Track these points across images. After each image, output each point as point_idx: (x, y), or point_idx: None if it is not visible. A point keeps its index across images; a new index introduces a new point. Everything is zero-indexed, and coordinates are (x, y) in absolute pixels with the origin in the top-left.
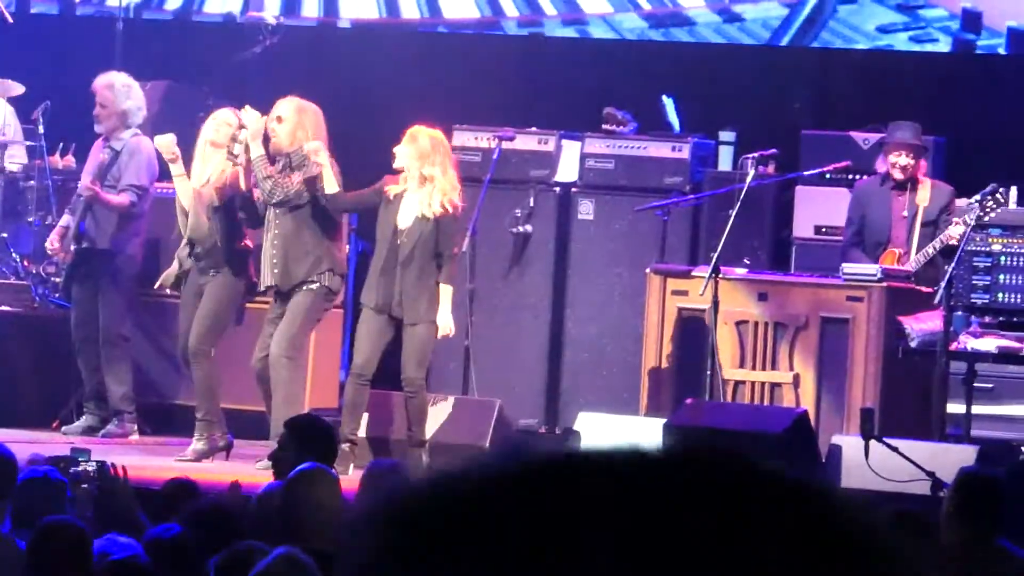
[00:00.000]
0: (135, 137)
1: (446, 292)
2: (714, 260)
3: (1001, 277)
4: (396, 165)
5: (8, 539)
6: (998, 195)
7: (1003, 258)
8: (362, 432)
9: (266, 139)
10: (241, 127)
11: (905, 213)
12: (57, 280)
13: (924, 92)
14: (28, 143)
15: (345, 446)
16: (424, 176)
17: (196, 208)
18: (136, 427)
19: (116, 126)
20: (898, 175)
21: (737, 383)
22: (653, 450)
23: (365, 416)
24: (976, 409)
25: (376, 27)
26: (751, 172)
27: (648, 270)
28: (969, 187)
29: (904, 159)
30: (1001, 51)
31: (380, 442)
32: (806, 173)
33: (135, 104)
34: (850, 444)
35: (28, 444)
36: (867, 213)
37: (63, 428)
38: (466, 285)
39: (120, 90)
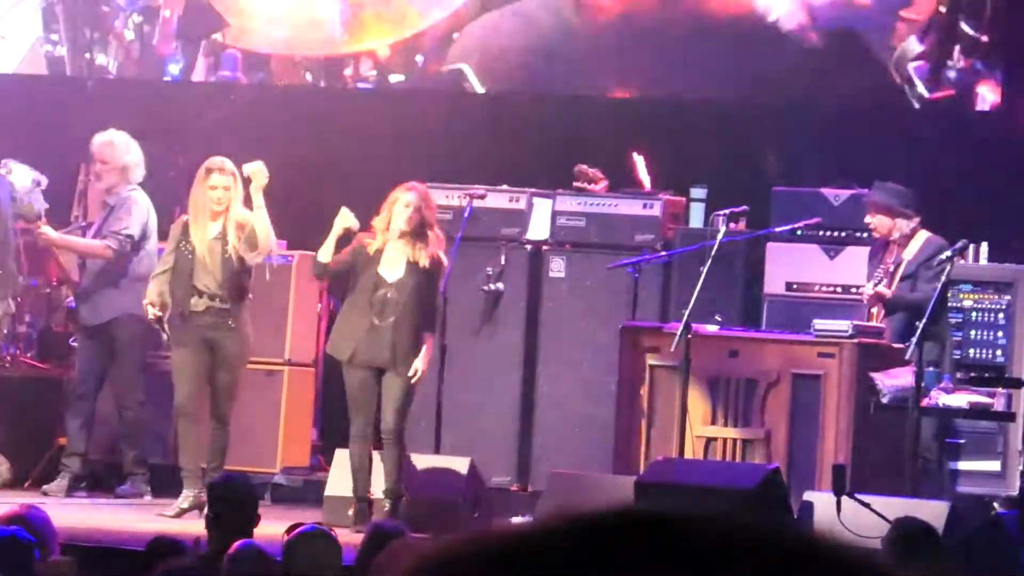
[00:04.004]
0: (131, 191)
1: (430, 341)
2: (685, 317)
3: (972, 333)
4: (406, 211)
5: None
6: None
7: (974, 314)
8: (337, 491)
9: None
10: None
11: (891, 268)
12: (32, 333)
13: (895, 147)
14: None
15: (357, 505)
16: (421, 229)
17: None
18: (149, 488)
19: (117, 181)
20: (874, 234)
21: (709, 440)
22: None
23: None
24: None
25: (348, 86)
26: (722, 229)
27: (620, 327)
28: (939, 245)
29: (869, 218)
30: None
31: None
32: (777, 230)
33: (135, 160)
34: (822, 500)
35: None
36: (869, 271)
37: (44, 488)
38: (440, 342)
39: (120, 146)
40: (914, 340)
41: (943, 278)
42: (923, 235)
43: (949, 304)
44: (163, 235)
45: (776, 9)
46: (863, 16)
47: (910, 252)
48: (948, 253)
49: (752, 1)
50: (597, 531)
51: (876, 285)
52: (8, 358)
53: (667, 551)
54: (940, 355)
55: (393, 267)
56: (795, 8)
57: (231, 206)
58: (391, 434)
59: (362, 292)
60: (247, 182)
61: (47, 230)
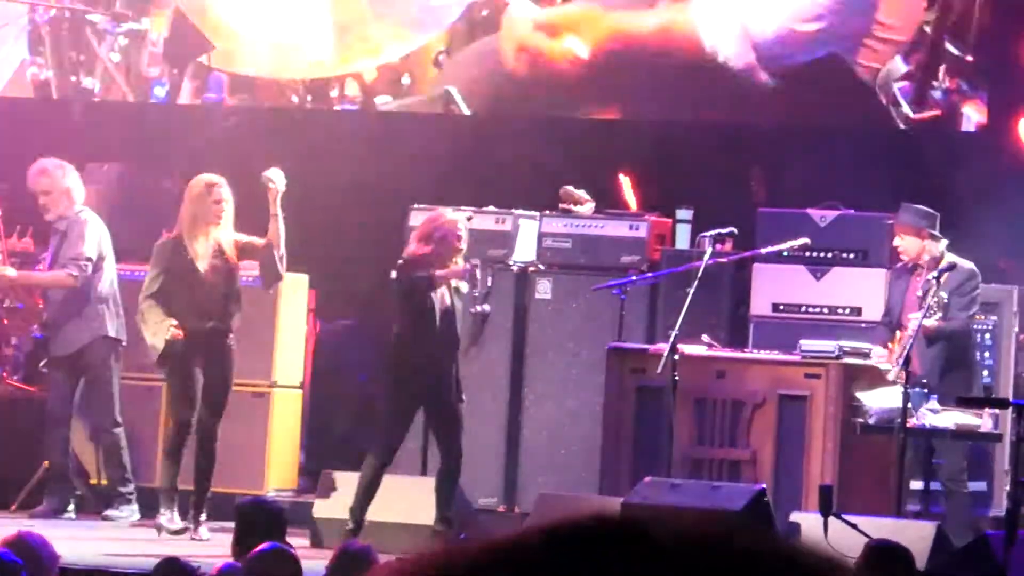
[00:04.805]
0: (78, 213)
1: None
2: (672, 338)
3: None
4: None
5: None
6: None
7: None
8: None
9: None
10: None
11: (919, 293)
12: (18, 356)
13: (881, 168)
14: None
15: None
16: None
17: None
18: (137, 508)
19: (66, 206)
20: (902, 256)
21: (696, 460)
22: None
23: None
24: (935, 485)
25: (332, 107)
26: (708, 250)
27: (606, 348)
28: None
29: (897, 241)
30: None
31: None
32: (763, 251)
33: (74, 180)
34: (808, 521)
35: None
36: (889, 296)
37: (30, 512)
38: None
39: (55, 171)
40: (900, 361)
41: (929, 299)
42: (952, 261)
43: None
44: (143, 257)
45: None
46: (821, 42)
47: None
48: (935, 273)
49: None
50: (577, 539)
51: (926, 317)
52: None
53: (649, 557)
54: (969, 383)
55: (445, 292)
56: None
57: (226, 222)
58: (460, 459)
59: (429, 319)
60: (266, 190)
61: (7, 270)
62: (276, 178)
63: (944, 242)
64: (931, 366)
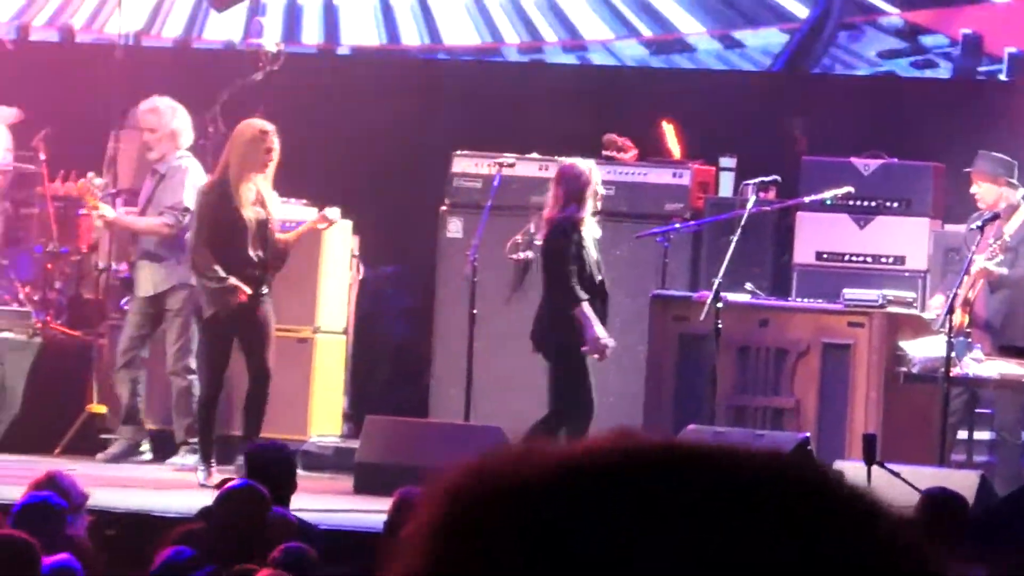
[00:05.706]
0: (180, 159)
1: None
2: (715, 286)
3: None
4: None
5: None
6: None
7: None
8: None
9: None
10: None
11: (991, 241)
12: (62, 300)
13: (925, 118)
14: (30, 168)
15: None
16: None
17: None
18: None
19: (169, 148)
20: (979, 204)
21: (739, 409)
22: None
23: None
24: (979, 435)
25: (376, 54)
26: (752, 198)
27: (649, 296)
28: (968, 215)
29: (974, 188)
30: (1002, 77)
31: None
32: (807, 199)
33: (183, 124)
34: (852, 470)
35: (28, 470)
36: (964, 245)
37: (97, 455)
38: (469, 311)
39: (166, 112)
40: (945, 309)
41: (973, 247)
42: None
43: None
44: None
45: None
46: None
47: (1012, 227)
48: (978, 223)
49: None
50: (655, 464)
51: (989, 260)
52: (39, 324)
53: (713, 488)
54: None
55: (593, 246)
56: None
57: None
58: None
59: (588, 276)
60: (321, 220)
61: (106, 211)
62: (334, 217)
63: (1022, 190)
64: (994, 313)
